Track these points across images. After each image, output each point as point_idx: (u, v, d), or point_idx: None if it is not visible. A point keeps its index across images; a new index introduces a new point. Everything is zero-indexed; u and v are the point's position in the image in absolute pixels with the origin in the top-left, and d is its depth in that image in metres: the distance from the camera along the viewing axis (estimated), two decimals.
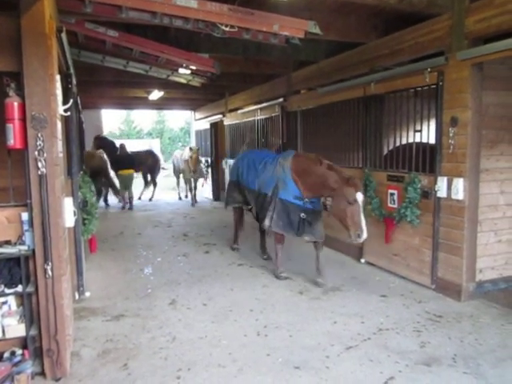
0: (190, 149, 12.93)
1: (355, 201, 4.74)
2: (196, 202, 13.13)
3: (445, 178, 4.88)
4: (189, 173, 12.97)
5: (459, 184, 4.71)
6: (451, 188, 4.81)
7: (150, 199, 14.30)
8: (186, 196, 14.31)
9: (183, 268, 6.33)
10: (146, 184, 14.53)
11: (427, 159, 5.26)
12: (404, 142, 5.88)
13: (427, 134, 5.38)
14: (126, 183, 12.27)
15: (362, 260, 6.39)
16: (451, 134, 4.79)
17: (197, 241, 8.10)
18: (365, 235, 4.76)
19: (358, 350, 3.76)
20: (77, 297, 4.98)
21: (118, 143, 14.08)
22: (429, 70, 5.02)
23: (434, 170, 5.07)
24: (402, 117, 5.78)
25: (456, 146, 4.76)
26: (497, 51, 4.21)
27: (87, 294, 5.15)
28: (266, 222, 5.49)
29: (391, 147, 6.25)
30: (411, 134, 5.66)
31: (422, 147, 5.41)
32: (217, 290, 5.35)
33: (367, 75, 6.13)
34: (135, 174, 13.05)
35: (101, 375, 3.41)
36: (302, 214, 5.27)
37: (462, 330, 4.11)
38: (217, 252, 7.23)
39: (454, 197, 4.79)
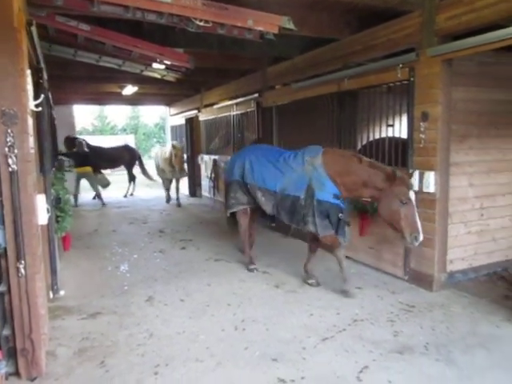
0: (174, 146, 11.70)
1: (409, 200, 4.36)
2: (180, 204, 11.97)
3: (416, 172, 5.00)
4: (169, 172, 11.89)
5: (430, 177, 4.83)
6: (423, 181, 4.93)
7: (126, 196, 14.19)
8: (168, 201, 12.63)
9: (160, 264, 6.30)
10: (131, 180, 14.46)
11: (399, 153, 5.38)
12: (377, 136, 5.99)
13: (399, 128, 5.50)
14: (80, 181, 12.08)
15: None
16: (422, 129, 4.91)
17: (173, 237, 8.07)
18: (421, 237, 4.38)
19: (333, 341, 3.83)
20: (51, 296, 4.90)
21: (94, 141, 13.87)
22: (401, 65, 5.13)
23: (406, 164, 5.19)
24: (375, 112, 5.88)
25: (427, 140, 4.88)
26: (465, 48, 4.33)
27: (62, 292, 5.07)
28: (311, 228, 4.91)
29: (365, 142, 6.35)
30: (384, 128, 5.77)
31: (395, 142, 5.53)
32: (194, 285, 5.35)
33: (341, 71, 6.21)
34: (109, 171, 12.92)
35: (77, 374, 3.38)
36: (341, 215, 4.83)
37: (433, 319, 4.24)
38: (193, 248, 7.21)
39: (425, 190, 4.91)
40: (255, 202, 5.58)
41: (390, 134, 5.70)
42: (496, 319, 4.21)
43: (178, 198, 12.05)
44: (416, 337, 3.88)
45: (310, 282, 5.35)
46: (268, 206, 5.37)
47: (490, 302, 4.64)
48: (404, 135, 5.37)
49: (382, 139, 5.77)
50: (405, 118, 5.29)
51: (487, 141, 5.32)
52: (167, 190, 12.47)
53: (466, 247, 5.29)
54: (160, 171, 12.40)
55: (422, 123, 4.91)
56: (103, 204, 12.20)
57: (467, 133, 5.16)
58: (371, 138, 6.14)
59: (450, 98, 4.83)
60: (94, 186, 12.35)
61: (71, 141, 13.33)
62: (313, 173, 4.91)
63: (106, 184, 13.18)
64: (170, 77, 8.32)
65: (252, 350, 3.69)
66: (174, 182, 12.27)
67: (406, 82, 5.15)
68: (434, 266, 4.95)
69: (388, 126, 5.66)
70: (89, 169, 12.04)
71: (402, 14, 5.16)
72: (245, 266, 5.97)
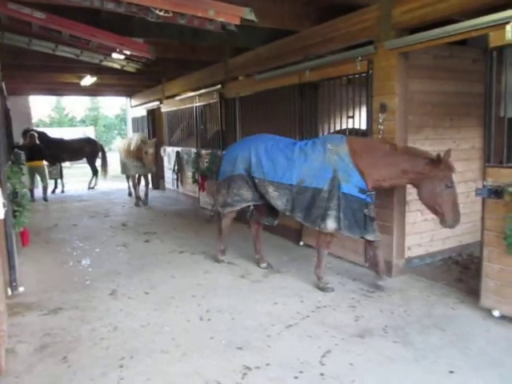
0: (143, 141, 10.13)
1: (453, 183, 4.23)
2: (146, 203, 10.81)
3: None
4: (133, 167, 10.54)
5: None
6: None
7: (90, 187, 13.98)
8: (130, 194, 11.91)
9: (123, 258, 6.22)
10: (93, 173, 14.21)
11: None
12: (338, 128, 6.11)
13: (359, 120, 5.64)
14: (38, 175, 11.69)
15: (301, 243, 6.61)
16: (381, 120, 5.05)
17: (136, 230, 7.97)
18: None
19: (297, 328, 3.92)
20: (9, 292, 4.75)
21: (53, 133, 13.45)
22: (359, 58, 5.25)
23: None
24: (336, 103, 5.99)
25: (385, 131, 5.02)
26: (421, 41, 4.48)
27: (21, 289, 4.93)
28: (331, 225, 4.53)
29: (326, 133, 6.46)
30: (344, 120, 5.89)
31: (355, 133, 5.67)
32: (158, 278, 5.32)
33: (302, 63, 6.29)
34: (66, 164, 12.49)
35: (39, 370, 3.32)
36: (366, 210, 4.55)
37: (392, 303, 4.41)
38: (157, 240, 7.16)
39: None
40: (261, 198, 5.15)
41: (350, 126, 5.82)
42: (450, 301, 4.42)
43: (146, 195, 10.87)
44: (375, 320, 4.03)
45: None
46: (280, 202, 4.88)
47: (445, 285, 4.87)
48: (363, 126, 5.50)
49: (343, 130, 5.89)
50: (364, 110, 5.43)
51: (442, 131, 5.54)
52: (134, 188, 10.96)
53: (422, 234, 5.51)
54: (123, 167, 11.07)
55: (380, 114, 5.05)
56: (45, 200, 11.71)
57: (423, 124, 5.35)
58: (332, 130, 6.26)
59: (406, 90, 4.99)
60: (43, 180, 11.86)
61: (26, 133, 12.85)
62: (338, 163, 4.53)
63: (55, 177, 13.03)
64: (130, 67, 8.17)
65: (218, 340, 3.73)
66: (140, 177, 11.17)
67: (364, 75, 5.28)
68: (393, 253, 5.13)
69: (348, 117, 5.78)
70: (40, 163, 11.61)
71: (361, 7, 5.27)
72: (213, 259, 5.97)
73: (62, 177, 13.57)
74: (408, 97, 5.03)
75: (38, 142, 11.93)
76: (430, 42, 4.39)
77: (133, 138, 10.78)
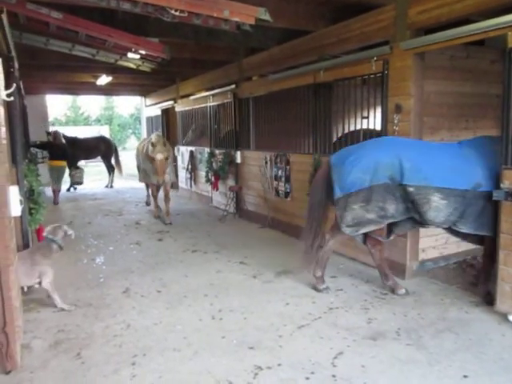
0: (153, 144, 8.09)
1: None
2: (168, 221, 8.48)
3: None
4: (154, 175, 8.45)
5: None
6: None
7: (110, 186, 14.12)
8: (148, 203, 10.38)
9: (136, 256, 6.27)
10: (110, 171, 14.31)
11: None
12: (352, 128, 6.07)
13: (374, 120, 5.60)
14: (58, 176, 11.25)
15: None
16: (395, 121, 5.01)
17: (149, 229, 8.03)
18: None
19: (309, 329, 3.91)
20: (25, 288, 4.82)
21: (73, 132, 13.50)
22: (375, 58, 5.21)
23: None
24: (350, 104, 5.96)
25: (400, 132, 4.98)
26: (437, 42, 4.44)
27: (36, 285, 4.99)
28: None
29: (340, 134, 6.44)
30: (359, 120, 5.86)
31: (369, 134, 5.63)
32: (171, 276, 5.35)
33: (316, 63, 6.27)
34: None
35: (53, 366, 3.36)
36: None
37: (405, 306, 4.37)
38: (170, 239, 7.20)
39: None
40: (404, 212, 4.31)
41: (365, 126, 5.78)
42: (464, 305, 4.36)
43: (167, 213, 8.64)
44: (388, 323, 4.00)
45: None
46: (444, 213, 4.14)
47: (459, 288, 4.81)
48: (378, 127, 5.46)
49: (357, 131, 5.86)
50: (379, 110, 5.39)
51: (458, 133, 5.47)
52: (155, 198, 9.17)
53: (437, 236, 5.45)
54: (143, 173, 9.11)
55: (395, 115, 5.01)
56: (55, 203, 11.13)
57: (438, 125, 5.29)
58: (346, 130, 6.23)
59: (422, 91, 4.95)
60: (59, 180, 11.41)
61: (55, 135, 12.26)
62: None
63: (79, 182, 12.91)
64: (146, 67, 8.22)
65: (229, 339, 3.74)
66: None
67: (379, 75, 5.24)
68: (407, 255, 5.09)
69: (363, 118, 5.75)
70: (62, 163, 11.39)
71: (376, 7, 5.24)
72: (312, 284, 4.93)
73: (82, 181, 13.26)
74: (423, 98, 4.99)
75: (63, 140, 11.83)
76: (447, 43, 4.34)
77: (154, 138, 8.56)
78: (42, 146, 11.58)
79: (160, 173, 8.09)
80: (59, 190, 11.53)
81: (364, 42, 5.47)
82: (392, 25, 5.02)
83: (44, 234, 4.59)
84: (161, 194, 9.15)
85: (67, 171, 12.28)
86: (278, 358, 3.41)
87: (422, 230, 5.22)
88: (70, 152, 12.08)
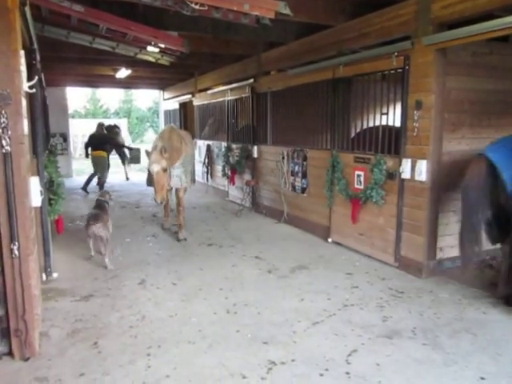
0: (147, 153, 6.29)
1: None
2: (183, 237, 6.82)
3: (409, 160, 5.04)
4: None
5: (422, 166, 4.88)
6: (415, 170, 4.98)
7: (126, 178, 14.30)
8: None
9: (152, 248, 6.33)
10: (124, 162, 14.30)
11: (393, 142, 5.42)
12: (371, 124, 6.01)
13: (393, 117, 5.52)
14: (99, 166, 11.42)
15: (329, 239, 6.56)
16: (415, 118, 4.93)
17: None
18: None
19: (323, 325, 3.90)
20: (44, 278, 4.92)
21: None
22: (395, 53, 5.13)
23: (399, 152, 5.22)
24: (369, 100, 5.90)
25: (420, 129, 4.91)
26: (460, 37, 4.34)
27: (55, 274, 5.09)
28: None
29: (358, 130, 6.37)
30: (378, 116, 5.79)
31: (388, 130, 5.56)
32: (186, 269, 5.39)
33: (336, 58, 6.20)
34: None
35: (70, 354, 3.42)
36: None
37: (422, 305, 4.32)
38: (186, 232, 7.23)
39: (417, 178, 4.96)
40: None
41: (384, 122, 5.72)
42: (482, 306, 4.30)
43: (180, 227, 6.90)
44: (404, 322, 3.96)
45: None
46: None
47: (477, 289, 4.73)
48: (397, 123, 5.39)
49: (376, 127, 5.79)
50: (398, 106, 5.32)
51: (479, 130, 5.36)
52: (164, 207, 7.45)
53: (455, 235, 5.36)
54: (149, 176, 6.99)
55: (415, 112, 4.93)
56: (101, 188, 11.19)
57: (460, 122, 5.20)
58: (365, 126, 6.16)
59: (443, 87, 4.86)
60: (101, 171, 11.52)
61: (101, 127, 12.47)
62: None
63: (135, 161, 13.03)
64: (165, 60, 8.24)
65: (243, 333, 3.75)
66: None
67: (400, 70, 5.16)
68: (424, 254, 5.03)
69: (382, 114, 5.68)
70: (101, 153, 11.48)
71: (398, 1, 5.15)
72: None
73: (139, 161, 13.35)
74: (444, 94, 4.90)
75: (105, 131, 12.09)
76: (470, 38, 4.25)
77: (163, 134, 6.95)
78: (91, 137, 11.85)
79: (157, 189, 6.03)
80: (104, 181, 11.72)
81: (385, 36, 5.39)
82: (413, 19, 4.93)
83: (97, 197, 6.17)
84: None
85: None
86: (292, 354, 3.41)
87: (441, 229, 5.16)
88: (113, 141, 12.38)
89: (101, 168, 11.53)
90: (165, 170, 6.08)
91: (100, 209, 5.80)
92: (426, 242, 5.01)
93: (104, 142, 11.77)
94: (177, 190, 7.07)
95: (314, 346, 3.55)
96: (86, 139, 12.44)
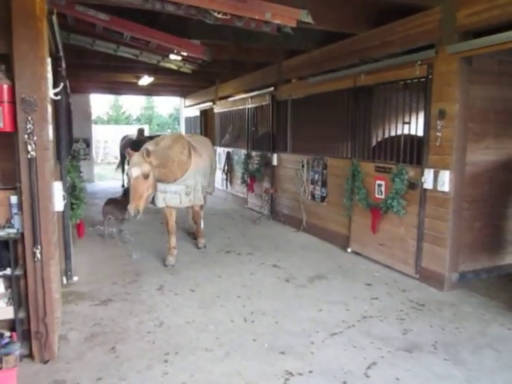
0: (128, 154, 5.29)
1: None
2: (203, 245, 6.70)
3: (431, 170, 4.96)
4: (161, 194, 5.83)
5: (445, 176, 4.79)
6: (437, 180, 4.89)
7: None
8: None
9: None
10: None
11: (415, 151, 5.34)
12: (392, 133, 5.94)
13: (415, 126, 5.45)
14: None
15: (349, 249, 6.48)
16: (439, 127, 4.85)
17: (185, 228, 8.11)
18: None
19: (342, 337, 3.84)
20: (64, 281, 4.98)
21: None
22: (419, 62, 5.07)
23: (421, 162, 5.14)
24: (391, 109, 5.83)
25: (443, 138, 4.83)
26: (487, 46, 4.26)
27: (75, 278, 5.15)
28: None
29: (380, 139, 6.31)
30: (400, 126, 5.72)
31: (410, 139, 5.49)
32: (204, 276, 5.39)
33: (357, 66, 6.16)
34: None
35: (88, 358, 3.45)
36: None
37: (443, 319, 4.22)
38: (204, 239, 7.24)
39: (439, 188, 4.87)
40: None
41: (406, 131, 5.64)
42: (506, 321, 4.17)
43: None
44: (425, 335, 3.87)
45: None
46: None
47: (500, 303, 4.60)
48: (420, 133, 5.31)
49: (398, 136, 5.73)
50: (421, 116, 5.24)
51: (506, 140, 5.25)
52: (169, 230, 6.15)
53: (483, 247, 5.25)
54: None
55: (438, 121, 4.85)
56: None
57: (484, 132, 5.10)
58: (386, 135, 6.10)
59: (467, 96, 4.77)
60: None
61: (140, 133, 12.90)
62: None
63: None
64: (186, 68, 8.34)
65: (260, 342, 3.72)
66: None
67: (423, 79, 5.10)
68: (446, 266, 4.92)
69: (404, 123, 5.61)
70: None
71: (421, 9, 5.09)
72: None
73: None
74: (469, 103, 4.81)
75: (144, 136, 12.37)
76: (498, 47, 4.16)
77: (161, 140, 5.77)
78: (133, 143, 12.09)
79: (134, 197, 4.97)
80: None
81: (408, 45, 5.33)
82: (438, 28, 4.87)
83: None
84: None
85: None
86: (310, 365, 3.36)
87: (463, 240, 5.05)
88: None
89: None
90: (146, 177, 5.02)
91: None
92: (448, 254, 4.91)
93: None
94: (193, 205, 6.34)
95: (332, 357, 3.49)
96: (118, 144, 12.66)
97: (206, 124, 14.13)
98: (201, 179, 6.19)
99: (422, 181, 5.07)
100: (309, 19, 4.63)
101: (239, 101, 10.84)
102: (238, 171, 10.65)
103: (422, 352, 3.58)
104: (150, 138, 12.93)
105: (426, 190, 5.08)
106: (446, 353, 3.57)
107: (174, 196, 5.87)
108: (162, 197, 5.84)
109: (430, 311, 4.40)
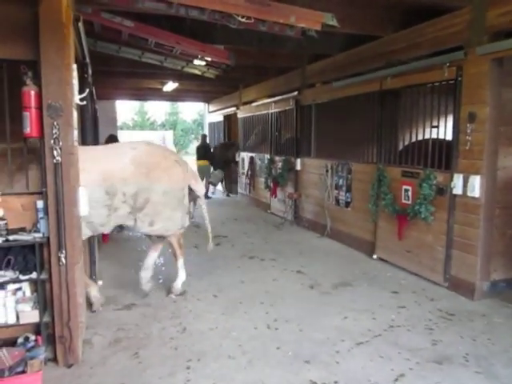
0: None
1: None
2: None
3: (461, 175, 4.81)
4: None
5: (476, 181, 4.63)
6: (467, 185, 4.73)
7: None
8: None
9: (194, 260, 6.34)
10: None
11: (443, 156, 5.19)
12: (420, 137, 5.80)
13: (444, 130, 5.30)
14: (201, 175, 11.39)
15: (374, 256, 6.34)
16: (468, 131, 4.71)
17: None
18: None
19: (368, 346, 3.73)
20: None
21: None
22: (447, 64, 4.94)
23: (450, 167, 5.00)
24: (419, 112, 5.70)
25: (473, 142, 4.68)
26: None
27: (99, 282, 5.18)
28: None
29: (407, 143, 6.17)
30: (427, 129, 5.58)
31: (439, 143, 5.34)
32: (227, 282, 5.36)
33: (383, 69, 6.05)
34: None
35: (112, 363, 3.45)
36: None
37: (474, 329, 4.06)
38: (228, 244, 7.23)
39: (469, 194, 4.71)
40: None
41: (434, 135, 5.50)
42: None
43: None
44: (455, 347, 3.72)
45: None
46: None
47: None
48: (448, 137, 5.17)
49: (426, 140, 5.58)
50: (449, 119, 5.10)
51: None
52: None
53: (511, 255, 5.05)
54: None
55: (468, 124, 4.71)
56: (207, 197, 11.47)
57: None
58: (413, 139, 5.95)
59: (499, 99, 4.61)
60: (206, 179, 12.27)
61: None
62: None
63: (212, 182, 13.08)
64: (210, 73, 8.36)
65: (284, 350, 3.65)
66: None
67: (451, 82, 4.96)
68: (477, 274, 4.75)
69: (432, 127, 5.46)
70: (204, 162, 12.27)
71: (449, 10, 4.97)
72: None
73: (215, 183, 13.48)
74: (501, 106, 4.65)
75: (207, 142, 12.93)
76: None
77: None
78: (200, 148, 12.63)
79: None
80: (206, 189, 11.88)
81: (436, 47, 5.20)
82: (467, 29, 4.74)
83: None
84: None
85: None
86: (335, 375, 3.28)
87: (493, 247, 4.86)
88: (215, 153, 12.99)
89: (206, 176, 12.30)
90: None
91: None
92: (478, 262, 4.73)
93: (208, 151, 12.61)
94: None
95: (358, 367, 3.39)
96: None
97: (229, 129, 14.18)
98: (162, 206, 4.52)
99: (452, 186, 4.92)
100: (334, 22, 4.57)
101: (263, 105, 10.83)
102: (261, 176, 10.61)
103: (452, 364, 3.45)
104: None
105: (455, 195, 4.93)
106: (477, 365, 3.42)
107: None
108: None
109: (460, 321, 4.24)
